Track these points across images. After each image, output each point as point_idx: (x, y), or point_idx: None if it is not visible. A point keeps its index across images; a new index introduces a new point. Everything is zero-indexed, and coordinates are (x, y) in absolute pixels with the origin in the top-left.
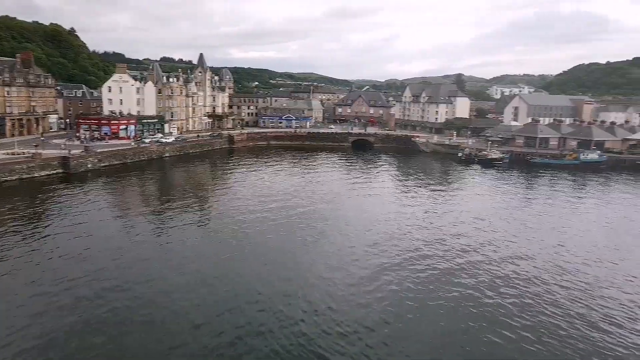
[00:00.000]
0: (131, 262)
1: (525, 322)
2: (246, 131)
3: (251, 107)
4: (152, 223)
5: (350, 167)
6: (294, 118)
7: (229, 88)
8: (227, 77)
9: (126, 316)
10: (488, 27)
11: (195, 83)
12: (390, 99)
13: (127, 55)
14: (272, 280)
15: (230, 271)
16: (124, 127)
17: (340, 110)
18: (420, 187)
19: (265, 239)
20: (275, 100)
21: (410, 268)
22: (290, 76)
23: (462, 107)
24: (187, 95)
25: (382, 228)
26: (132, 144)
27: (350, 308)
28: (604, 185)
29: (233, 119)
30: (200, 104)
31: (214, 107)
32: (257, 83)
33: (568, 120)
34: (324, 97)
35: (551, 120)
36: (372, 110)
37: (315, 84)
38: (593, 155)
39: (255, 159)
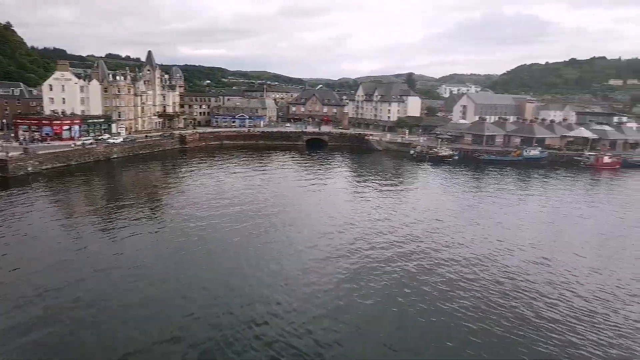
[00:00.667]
0: (81, 273)
1: (468, 310)
2: (198, 131)
3: (203, 107)
4: (101, 230)
5: (305, 166)
6: (248, 117)
7: (180, 87)
8: (178, 75)
9: (79, 338)
10: (437, 28)
11: (144, 81)
12: (344, 97)
13: (69, 52)
14: (229, 283)
15: (184, 277)
16: (67, 127)
17: (294, 109)
18: (374, 184)
19: (221, 241)
20: (228, 100)
21: (365, 265)
22: (243, 75)
23: (414, 106)
24: (135, 94)
25: (338, 226)
26: (74, 145)
27: (307, 304)
28: (545, 181)
29: (185, 119)
30: (149, 103)
31: (164, 107)
32: (208, 81)
33: (512, 119)
34: (277, 96)
35: (497, 119)
36: (325, 109)
37: (268, 82)
38: (535, 152)
39: (209, 160)
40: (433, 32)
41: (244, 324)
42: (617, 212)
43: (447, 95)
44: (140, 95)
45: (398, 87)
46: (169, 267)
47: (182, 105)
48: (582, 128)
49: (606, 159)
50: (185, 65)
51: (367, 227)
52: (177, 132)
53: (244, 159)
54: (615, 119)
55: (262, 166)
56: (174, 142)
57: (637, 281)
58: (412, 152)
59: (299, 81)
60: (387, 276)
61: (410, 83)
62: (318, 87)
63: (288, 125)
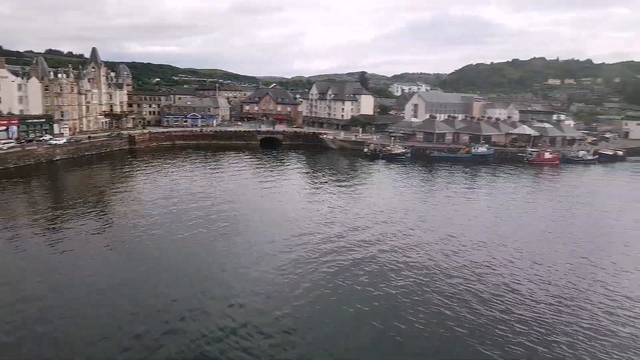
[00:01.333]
0: (22, 284)
1: (418, 301)
2: (148, 131)
3: (153, 106)
4: (44, 237)
5: (260, 165)
6: (200, 116)
7: (128, 85)
8: (125, 73)
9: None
10: (388, 28)
11: (89, 79)
12: (297, 96)
13: (5, 47)
14: (182, 287)
15: (132, 286)
16: (3, 128)
17: (247, 108)
18: (329, 183)
19: (172, 247)
20: (179, 98)
21: (319, 262)
22: (194, 72)
23: (367, 104)
24: (79, 93)
25: (293, 225)
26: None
27: (261, 303)
28: (491, 177)
29: (133, 118)
30: (95, 102)
31: (111, 106)
32: (158, 80)
33: (460, 117)
34: (230, 94)
35: (446, 117)
36: (279, 108)
37: (221, 81)
38: (482, 149)
39: (160, 160)
40: (385, 32)
41: (195, 332)
42: (556, 206)
43: (398, 93)
44: (85, 94)
45: (351, 85)
46: (115, 275)
47: (130, 105)
48: (525, 126)
49: (547, 155)
50: (133, 62)
51: (322, 225)
52: (125, 132)
53: (196, 159)
54: (555, 116)
55: (215, 166)
56: (123, 143)
57: (573, 271)
58: (365, 150)
59: (253, 79)
60: (346, 274)
61: (363, 82)
62: (272, 85)
63: (240, 124)
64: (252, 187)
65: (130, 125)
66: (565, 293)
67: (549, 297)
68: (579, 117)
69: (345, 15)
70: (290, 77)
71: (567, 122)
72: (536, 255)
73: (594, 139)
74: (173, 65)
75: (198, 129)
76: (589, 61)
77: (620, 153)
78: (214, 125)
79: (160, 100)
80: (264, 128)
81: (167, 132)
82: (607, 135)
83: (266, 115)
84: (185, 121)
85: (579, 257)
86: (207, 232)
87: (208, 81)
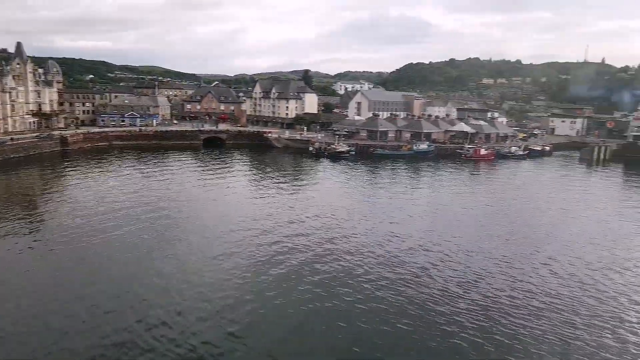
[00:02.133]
0: None
1: (362, 293)
2: (82, 131)
3: (87, 104)
4: None
5: (203, 166)
6: (139, 116)
7: (58, 82)
8: (55, 69)
9: None
10: (329, 26)
11: (13, 76)
12: (241, 94)
13: None
14: (119, 297)
15: (64, 299)
16: None
17: (189, 107)
18: (274, 183)
19: (111, 251)
20: (116, 97)
21: (263, 264)
22: (131, 69)
23: (311, 103)
24: (2, 91)
25: (237, 226)
26: None
27: (203, 309)
28: (433, 173)
29: (65, 118)
30: (21, 100)
31: (39, 105)
32: (92, 77)
33: (402, 115)
34: (171, 92)
35: (389, 115)
36: (222, 107)
37: (160, 78)
38: (423, 146)
39: (96, 162)
40: (326, 30)
41: (133, 344)
42: (492, 198)
43: (342, 92)
44: (9, 92)
45: (295, 84)
46: (45, 287)
47: (61, 103)
48: (462, 123)
49: (483, 151)
50: (64, 58)
51: (266, 226)
52: (56, 132)
53: (136, 160)
54: (489, 114)
55: (156, 168)
56: (54, 144)
57: (507, 260)
58: (310, 148)
59: (194, 77)
60: (291, 276)
61: (307, 80)
62: (214, 83)
63: (176, 122)
64: (194, 189)
65: (61, 125)
66: (500, 281)
67: (489, 287)
68: (511, 114)
69: (286, 12)
70: (233, 75)
71: (500, 120)
72: (474, 246)
73: (524, 135)
74: (108, 61)
75: (137, 129)
76: (518, 62)
77: (547, 148)
78: (154, 124)
79: (94, 98)
80: (206, 127)
81: (103, 132)
82: (536, 131)
83: (209, 115)
84: (123, 121)
85: (513, 246)
86: (147, 236)
87: (147, 79)
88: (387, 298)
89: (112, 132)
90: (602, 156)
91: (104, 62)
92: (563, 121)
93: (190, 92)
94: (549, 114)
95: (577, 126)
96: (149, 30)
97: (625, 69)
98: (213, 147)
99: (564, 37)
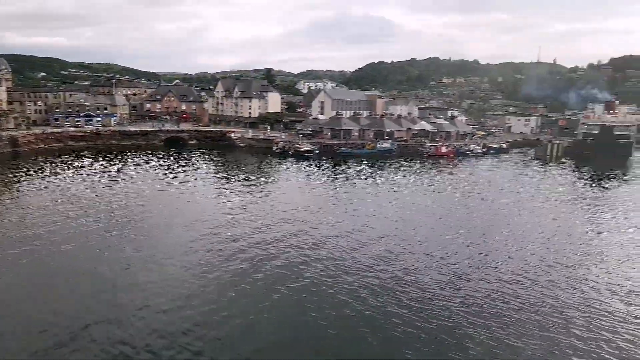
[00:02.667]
0: None
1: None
2: (34, 132)
3: (39, 103)
4: None
5: (164, 166)
6: (96, 115)
7: (7, 80)
8: (3, 66)
9: None
10: (293, 25)
11: None
12: (203, 93)
13: None
14: (77, 300)
15: (23, 304)
16: None
17: (149, 106)
18: (237, 183)
19: (71, 254)
20: (70, 95)
21: (225, 263)
22: (87, 67)
23: (274, 102)
24: None
25: (199, 227)
26: None
27: (173, 307)
28: (396, 171)
29: (15, 118)
30: None
31: None
32: (44, 74)
33: (365, 113)
34: (129, 91)
35: (352, 113)
36: (184, 106)
37: (118, 76)
38: (386, 144)
39: (49, 165)
40: (290, 29)
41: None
42: (453, 194)
43: (305, 91)
44: None
45: (258, 83)
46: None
47: (11, 102)
48: (424, 122)
49: (444, 149)
50: (13, 54)
51: (228, 226)
52: (6, 133)
53: (92, 162)
54: (449, 113)
55: (115, 169)
56: (3, 146)
57: (467, 255)
58: (274, 148)
59: (153, 75)
60: (253, 275)
61: (270, 79)
62: (175, 82)
63: (133, 122)
64: (155, 190)
65: (11, 125)
66: (461, 274)
67: (450, 281)
68: (470, 113)
69: (249, 10)
70: (194, 74)
71: (459, 118)
72: (434, 243)
73: (483, 133)
74: (62, 58)
75: (94, 129)
76: (476, 61)
77: (504, 146)
78: (112, 124)
79: (47, 97)
80: (167, 127)
81: (57, 132)
82: (494, 129)
83: (170, 114)
84: (79, 120)
85: (473, 239)
86: (106, 240)
87: (103, 77)
88: (343, 297)
89: (66, 132)
90: (555, 153)
91: (57, 59)
92: (519, 119)
93: (150, 90)
94: (506, 112)
95: (532, 124)
96: (107, 27)
97: (575, 69)
98: (175, 147)
99: (520, 38)
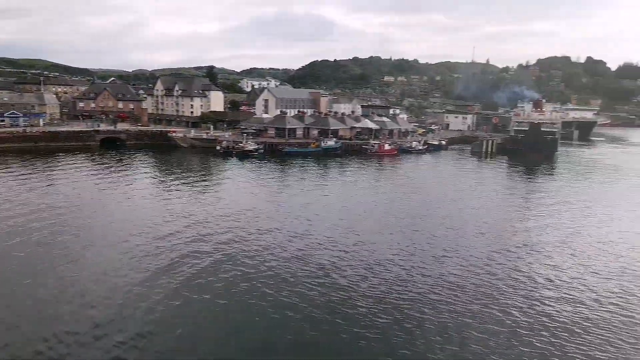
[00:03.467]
0: None
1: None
2: None
3: None
4: None
5: (101, 169)
6: (22, 115)
7: None
8: None
9: None
10: (233, 22)
11: None
12: (141, 91)
13: None
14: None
15: None
16: None
17: (82, 105)
18: (179, 184)
19: (6, 266)
20: None
21: (168, 269)
22: (10, 63)
23: (217, 100)
24: None
25: (138, 232)
26: None
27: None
28: (340, 169)
29: None
30: None
31: None
32: None
33: (309, 112)
34: (60, 89)
35: (296, 112)
36: (121, 105)
37: (46, 73)
38: (331, 143)
39: None
40: (231, 25)
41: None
42: (396, 190)
43: (249, 89)
44: None
45: (200, 81)
46: None
47: None
48: (367, 120)
49: (387, 147)
50: None
51: (170, 231)
52: None
53: (19, 165)
54: (391, 111)
55: (45, 173)
56: None
57: (409, 249)
58: (218, 148)
59: (86, 72)
60: (197, 279)
61: (212, 77)
62: (110, 80)
63: (60, 121)
64: (91, 194)
65: None
66: (402, 272)
67: (392, 280)
68: (411, 111)
69: (186, 5)
70: (131, 71)
71: (401, 116)
72: (377, 239)
73: (423, 130)
74: None
75: (20, 130)
76: (415, 60)
77: (443, 143)
78: (42, 124)
79: None
80: (103, 127)
81: None
82: (433, 127)
83: (105, 113)
84: (2, 121)
85: (415, 236)
86: (37, 249)
87: (29, 73)
88: (286, 297)
89: None
90: (489, 149)
91: None
92: (456, 117)
93: (83, 88)
94: (444, 110)
95: (468, 122)
96: (33, 20)
97: (506, 69)
98: (112, 148)
99: (455, 38)
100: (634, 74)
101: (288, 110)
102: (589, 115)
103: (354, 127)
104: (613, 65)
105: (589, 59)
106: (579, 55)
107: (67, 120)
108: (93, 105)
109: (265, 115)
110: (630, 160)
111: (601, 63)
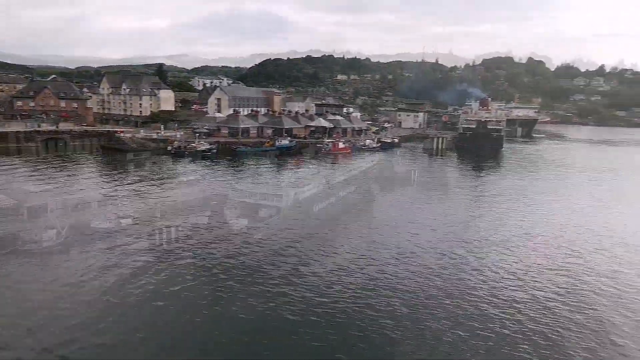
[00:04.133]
0: None
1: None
2: None
3: None
4: None
5: (44, 171)
6: None
7: None
8: None
9: None
10: (183, 18)
11: None
12: (85, 90)
13: None
14: None
15: None
16: None
17: (20, 103)
18: (127, 187)
19: None
20: None
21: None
22: None
23: (167, 99)
24: None
25: (96, 234)
26: None
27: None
28: (294, 168)
29: None
30: None
31: None
32: None
33: (263, 111)
34: None
35: (249, 111)
36: (63, 104)
37: None
38: (285, 142)
39: None
40: (181, 22)
41: None
42: (350, 189)
43: (200, 87)
44: None
45: (149, 79)
46: None
47: None
48: (321, 119)
49: (341, 145)
50: None
51: (114, 236)
52: None
53: None
54: (345, 109)
55: None
56: None
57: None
58: (169, 148)
59: (24, 68)
60: (135, 284)
61: (162, 75)
62: (51, 77)
63: (12, 124)
64: (31, 199)
65: None
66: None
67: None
68: (364, 109)
69: (135, 1)
70: (74, 68)
71: (355, 114)
72: (328, 239)
73: (376, 129)
74: None
75: None
76: (367, 59)
77: (396, 140)
78: None
79: None
80: (45, 127)
81: None
82: (386, 125)
83: (46, 113)
84: None
85: (368, 231)
86: None
87: None
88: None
89: None
90: (440, 146)
91: None
92: (408, 115)
93: (20, 86)
94: (396, 108)
95: (419, 120)
96: None
97: (454, 68)
98: (54, 149)
99: (406, 38)
100: (571, 73)
101: (241, 109)
102: (530, 113)
103: (309, 126)
104: (552, 66)
105: (530, 59)
106: (520, 56)
107: (3, 120)
108: (32, 104)
109: (217, 115)
110: (568, 155)
111: (541, 63)
